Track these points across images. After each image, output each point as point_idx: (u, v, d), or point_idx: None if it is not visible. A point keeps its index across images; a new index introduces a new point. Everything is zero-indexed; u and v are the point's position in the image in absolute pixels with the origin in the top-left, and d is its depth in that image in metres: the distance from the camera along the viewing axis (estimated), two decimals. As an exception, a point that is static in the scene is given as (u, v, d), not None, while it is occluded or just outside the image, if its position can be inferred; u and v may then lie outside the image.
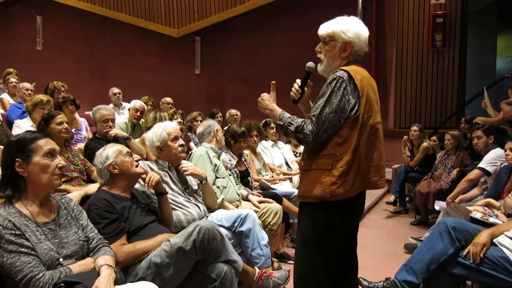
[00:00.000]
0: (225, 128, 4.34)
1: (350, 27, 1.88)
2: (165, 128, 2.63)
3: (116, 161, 2.17)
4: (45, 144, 1.68)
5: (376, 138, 1.89)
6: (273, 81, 2.01)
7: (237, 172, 3.47)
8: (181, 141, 2.65)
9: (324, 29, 1.92)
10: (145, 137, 3.93)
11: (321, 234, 1.90)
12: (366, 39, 1.92)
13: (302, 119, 1.86)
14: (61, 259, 1.63)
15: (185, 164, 2.64)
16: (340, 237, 1.95)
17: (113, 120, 3.47)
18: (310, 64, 1.97)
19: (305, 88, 2.00)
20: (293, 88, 1.99)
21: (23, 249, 1.52)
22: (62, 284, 1.51)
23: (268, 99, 1.98)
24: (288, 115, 1.90)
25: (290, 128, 1.85)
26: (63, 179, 2.74)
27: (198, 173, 2.66)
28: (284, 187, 3.77)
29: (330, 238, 1.91)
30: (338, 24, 1.89)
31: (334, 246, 1.93)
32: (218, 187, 2.99)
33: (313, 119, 1.80)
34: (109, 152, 2.20)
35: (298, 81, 1.99)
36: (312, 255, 1.92)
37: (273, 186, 3.74)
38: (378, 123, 1.91)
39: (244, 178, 3.54)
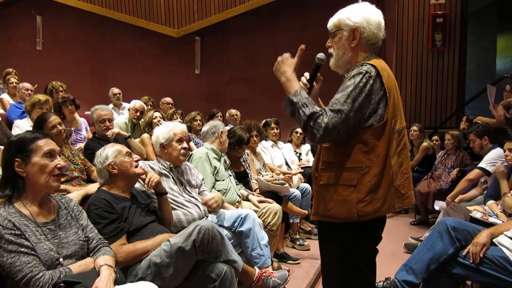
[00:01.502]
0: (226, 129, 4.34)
1: (356, 11, 1.65)
2: (173, 128, 2.66)
3: (115, 161, 2.17)
4: (45, 144, 1.68)
5: (404, 146, 1.65)
6: (303, 45, 1.67)
7: (233, 174, 3.45)
8: (185, 145, 2.66)
9: (331, 20, 1.71)
10: (145, 137, 3.96)
11: (353, 258, 1.65)
12: (378, 23, 1.65)
13: (320, 108, 1.56)
14: (61, 259, 1.63)
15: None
16: (374, 253, 1.75)
17: (110, 120, 3.46)
18: (320, 55, 1.74)
19: (314, 83, 1.77)
20: (300, 82, 1.73)
21: (23, 249, 1.52)
22: (62, 284, 1.51)
23: (290, 65, 1.64)
24: (306, 95, 1.59)
25: (303, 109, 1.53)
26: (63, 179, 2.74)
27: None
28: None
29: (365, 257, 1.68)
30: (344, 12, 1.68)
31: (370, 264, 1.71)
32: (219, 190, 2.98)
33: (331, 113, 1.51)
34: (108, 152, 2.20)
35: (307, 74, 1.76)
36: (350, 280, 1.66)
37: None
38: (404, 128, 1.67)
39: (242, 179, 3.53)
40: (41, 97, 3.71)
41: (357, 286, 1.66)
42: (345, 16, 1.66)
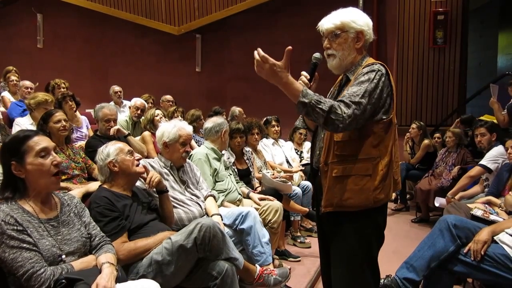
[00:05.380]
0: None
1: (357, 15, 1.77)
2: (180, 129, 2.64)
3: (117, 159, 2.17)
4: (36, 143, 1.64)
5: (397, 138, 1.80)
6: (289, 47, 1.61)
7: (235, 170, 3.45)
8: (188, 148, 2.65)
9: (331, 22, 1.75)
10: (146, 135, 3.96)
11: (370, 244, 1.78)
12: (371, 28, 1.81)
13: (333, 100, 1.61)
14: (63, 256, 1.63)
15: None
16: (383, 240, 1.87)
17: (115, 120, 3.45)
18: (317, 55, 1.81)
19: (311, 83, 1.82)
20: (300, 81, 1.78)
21: (24, 245, 1.52)
22: (63, 281, 1.51)
23: (282, 69, 1.59)
24: (312, 92, 1.60)
25: (319, 106, 1.54)
26: (64, 177, 2.75)
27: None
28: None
29: (377, 245, 1.82)
30: (345, 15, 1.76)
31: (378, 251, 1.85)
32: (218, 190, 2.97)
33: (352, 105, 1.58)
34: (110, 150, 2.20)
35: (305, 73, 1.82)
36: (362, 268, 1.77)
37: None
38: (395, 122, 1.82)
39: (244, 177, 3.52)
40: (47, 97, 3.70)
41: (368, 273, 1.77)
42: (349, 19, 1.74)
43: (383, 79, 1.67)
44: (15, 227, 1.53)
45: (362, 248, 1.76)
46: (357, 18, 1.75)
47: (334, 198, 1.74)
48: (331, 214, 1.78)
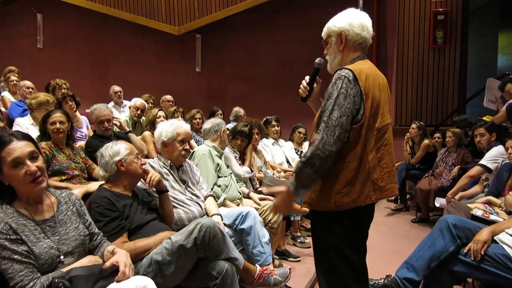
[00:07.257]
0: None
1: (340, 18, 1.80)
2: (177, 128, 2.65)
3: (126, 159, 2.17)
4: (8, 154, 1.56)
5: (386, 142, 1.76)
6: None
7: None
8: (187, 146, 2.66)
9: (323, 30, 1.86)
10: (146, 135, 3.97)
11: (340, 247, 1.78)
12: (360, 25, 1.77)
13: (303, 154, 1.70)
14: (61, 257, 1.62)
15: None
16: (362, 242, 1.88)
17: (109, 120, 3.41)
18: (318, 60, 1.87)
19: (314, 85, 1.92)
20: (301, 85, 1.92)
21: (16, 256, 1.49)
22: (56, 280, 1.49)
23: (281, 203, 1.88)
24: (291, 180, 1.77)
25: (307, 176, 1.68)
26: (63, 177, 2.75)
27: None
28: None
29: (354, 248, 1.81)
30: (331, 20, 1.83)
31: (357, 249, 1.84)
32: (219, 186, 2.99)
33: (322, 124, 1.65)
34: (120, 148, 2.19)
35: (307, 78, 1.91)
36: (338, 265, 1.79)
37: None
38: (387, 125, 1.77)
39: (244, 175, 3.54)
40: (49, 98, 3.70)
41: (345, 269, 1.78)
42: (331, 24, 1.82)
43: (350, 85, 1.66)
44: (8, 236, 1.50)
45: (333, 248, 1.78)
46: (337, 21, 1.80)
47: (306, 195, 1.85)
48: (312, 212, 1.88)
